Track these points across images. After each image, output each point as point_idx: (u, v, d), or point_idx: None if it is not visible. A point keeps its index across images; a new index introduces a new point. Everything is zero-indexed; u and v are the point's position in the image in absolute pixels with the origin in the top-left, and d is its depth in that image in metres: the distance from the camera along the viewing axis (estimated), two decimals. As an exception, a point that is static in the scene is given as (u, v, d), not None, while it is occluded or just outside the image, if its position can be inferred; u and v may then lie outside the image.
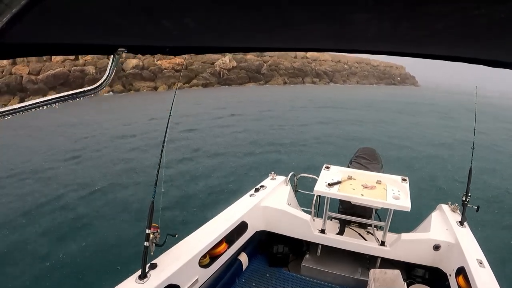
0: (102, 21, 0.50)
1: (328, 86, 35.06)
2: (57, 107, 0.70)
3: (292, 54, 34.81)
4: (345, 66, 39.43)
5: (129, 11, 0.47)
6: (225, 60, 29.51)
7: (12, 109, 0.60)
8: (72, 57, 22.22)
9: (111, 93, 22.64)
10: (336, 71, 38.20)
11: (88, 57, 22.46)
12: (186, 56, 27.34)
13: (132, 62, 24.53)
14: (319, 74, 36.45)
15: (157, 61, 26.00)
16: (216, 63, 29.09)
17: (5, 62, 20.19)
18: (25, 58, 20.77)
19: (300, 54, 35.64)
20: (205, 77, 28.07)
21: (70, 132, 11.88)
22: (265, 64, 32.30)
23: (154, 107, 16.42)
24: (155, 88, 25.10)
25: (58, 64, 21.71)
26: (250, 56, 31.44)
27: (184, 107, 16.61)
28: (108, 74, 0.74)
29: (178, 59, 27.07)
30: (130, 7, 0.46)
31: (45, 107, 0.66)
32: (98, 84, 0.74)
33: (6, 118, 0.60)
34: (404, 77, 45.92)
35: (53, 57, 21.79)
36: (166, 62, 26.35)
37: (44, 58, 21.44)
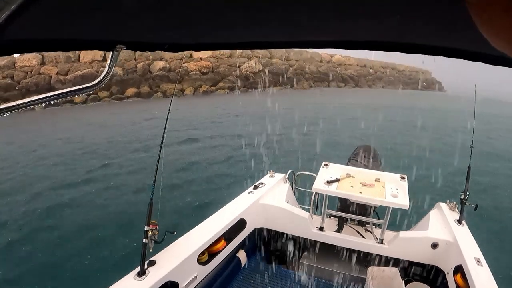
0: (101, 17, 0.50)
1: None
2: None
3: (318, 58, 33.87)
4: (371, 70, 38.17)
5: (128, 7, 0.47)
6: (251, 64, 28.71)
7: (11, 106, 0.59)
8: (100, 58, 21.65)
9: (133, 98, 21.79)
10: (361, 75, 36.94)
11: (116, 58, 21.85)
12: (211, 59, 26.56)
13: (159, 64, 23.88)
14: (345, 79, 35.26)
15: (183, 63, 25.33)
16: (242, 66, 28.30)
17: (34, 62, 19.70)
18: (54, 58, 20.28)
19: (326, 58, 34.67)
20: (231, 80, 27.24)
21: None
22: (290, 68, 31.36)
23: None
24: (182, 91, 24.32)
25: (86, 65, 21.17)
26: (276, 59, 30.62)
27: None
28: (107, 71, 0.72)
29: (204, 62, 26.40)
30: (129, 3, 0.46)
31: (43, 104, 0.64)
32: (97, 81, 0.72)
33: (5, 115, 0.60)
34: (430, 82, 44.33)
35: (81, 57, 21.29)
36: (192, 64, 25.67)
37: (73, 58, 20.94)
